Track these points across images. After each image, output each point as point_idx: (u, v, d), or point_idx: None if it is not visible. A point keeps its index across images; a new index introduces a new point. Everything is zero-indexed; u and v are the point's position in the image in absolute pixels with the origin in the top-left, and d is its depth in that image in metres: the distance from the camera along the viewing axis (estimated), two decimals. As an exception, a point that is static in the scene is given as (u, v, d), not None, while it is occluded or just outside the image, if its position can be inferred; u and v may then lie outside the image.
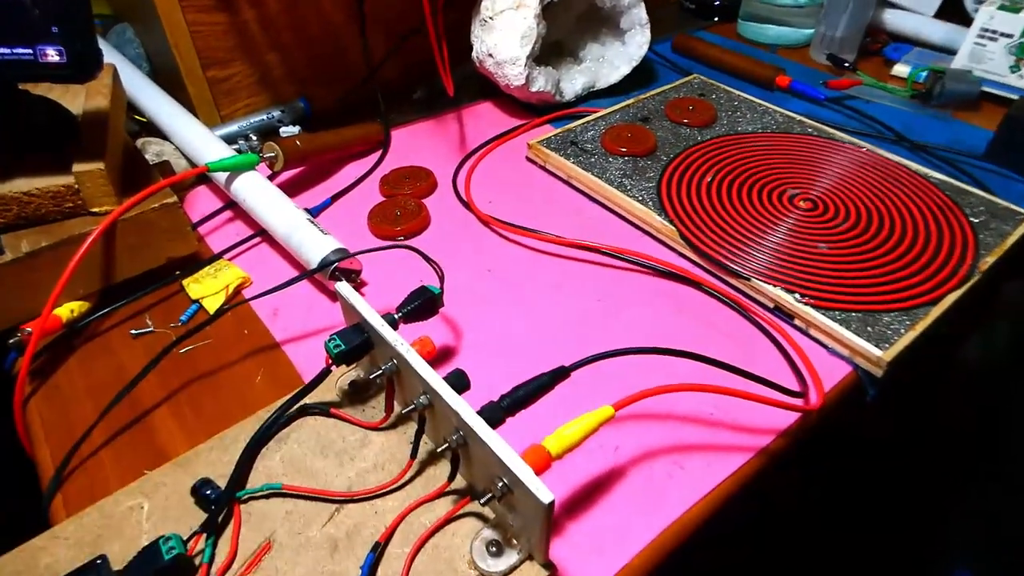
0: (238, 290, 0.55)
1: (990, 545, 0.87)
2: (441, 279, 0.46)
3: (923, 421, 0.94)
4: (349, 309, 0.43)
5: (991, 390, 0.97)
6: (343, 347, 0.40)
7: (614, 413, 0.37)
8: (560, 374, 0.39)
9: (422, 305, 0.44)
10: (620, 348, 0.40)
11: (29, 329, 0.44)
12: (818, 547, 0.74)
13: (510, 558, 0.35)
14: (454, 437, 0.35)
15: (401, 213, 0.61)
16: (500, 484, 0.33)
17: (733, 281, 0.55)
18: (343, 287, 0.42)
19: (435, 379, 0.36)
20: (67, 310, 0.48)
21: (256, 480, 0.39)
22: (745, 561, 0.57)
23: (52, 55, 0.41)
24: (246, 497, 0.38)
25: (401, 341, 0.38)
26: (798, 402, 0.44)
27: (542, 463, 0.34)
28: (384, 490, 0.39)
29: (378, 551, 0.36)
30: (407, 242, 0.60)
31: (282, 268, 0.57)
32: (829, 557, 0.76)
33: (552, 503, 0.30)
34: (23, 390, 0.45)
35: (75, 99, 0.53)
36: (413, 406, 0.37)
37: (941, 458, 0.98)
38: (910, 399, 0.88)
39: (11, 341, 0.44)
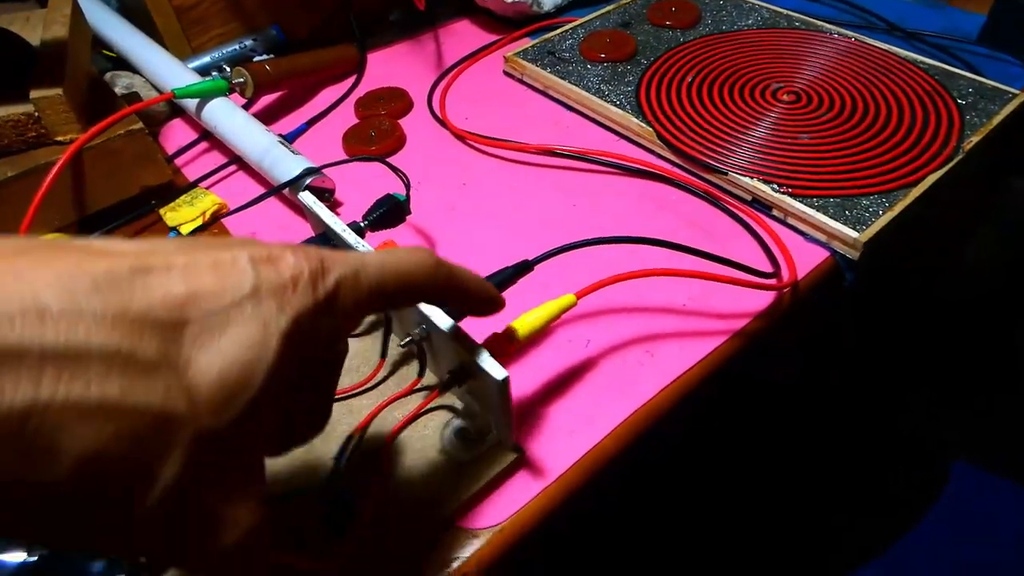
0: (215, 216, 0.55)
1: (989, 440, 0.88)
2: (407, 186, 0.46)
3: (926, 319, 0.94)
4: (315, 219, 0.43)
5: (999, 284, 0.95)
6: (307, 252, 0.40)
7: (576, 300, 0.37)
8: (524, 268, 0.39)
9: (388, 212, 0.44)
10: (586, 239, 0.40)
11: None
12: (804, 427, 0.75)
13: (480, 444, 0.36)
14: (416, 331, 0.36)
15: (376, 133, 0.61)
16: (459, 367, 0.33)
17: (711, 178, 0.54)
18: (306, 196, 0.42)
19: (393, 273, 0.36)
20: (44, 240, 0.48)
21: (232, 386, 0.40)
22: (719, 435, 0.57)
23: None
24: (223, 402, 0.39)
25: (364, 244, 0.38)
26: (771, 282, 0.44)
27: (502, 346, 0.34)
28: (356, 390, 0.40)
29: (351, 442, 0.37)
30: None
31: (258, 193, 0.57)
32: (815, 439, 0.77)
33: (506, 379, 0.31)
34: None
35: (34, 31, 0.53)
36: (377, 304, 0.38)
37: (939, 357, 0.98)
38: (911, 294, 0.87)
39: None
